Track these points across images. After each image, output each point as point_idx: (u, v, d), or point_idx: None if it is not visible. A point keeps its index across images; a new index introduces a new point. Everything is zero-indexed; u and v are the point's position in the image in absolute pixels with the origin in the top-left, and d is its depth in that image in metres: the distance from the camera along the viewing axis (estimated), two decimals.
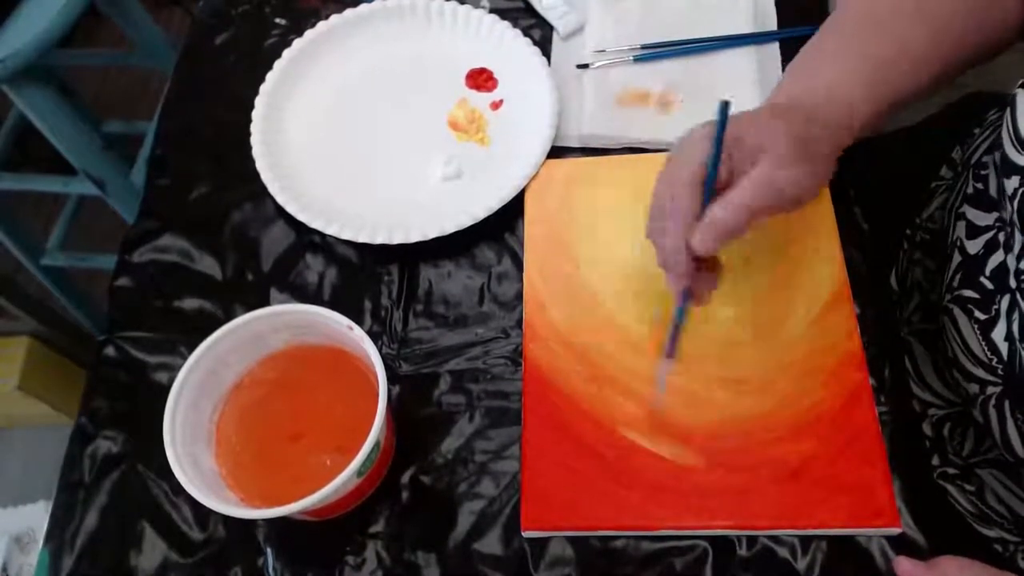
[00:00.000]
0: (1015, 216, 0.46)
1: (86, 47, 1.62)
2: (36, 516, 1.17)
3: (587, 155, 0.62)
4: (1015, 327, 0.47)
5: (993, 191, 0.50)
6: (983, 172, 0.52)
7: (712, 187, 0.44)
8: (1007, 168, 0.46)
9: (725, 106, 0.43)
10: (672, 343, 0.50)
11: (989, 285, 0.49)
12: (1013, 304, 0.47)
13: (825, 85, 0.49)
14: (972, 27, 0.51)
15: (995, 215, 0.50)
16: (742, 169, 0.44)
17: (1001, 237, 0.49)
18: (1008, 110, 0.46)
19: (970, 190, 0.53)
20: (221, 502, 0.43)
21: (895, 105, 0.50)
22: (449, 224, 0.58)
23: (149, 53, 1.23)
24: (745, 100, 0.62)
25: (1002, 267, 0.48)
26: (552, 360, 0.53)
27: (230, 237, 0.62)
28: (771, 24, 0.68)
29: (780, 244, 0.55)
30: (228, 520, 0.51)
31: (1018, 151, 0.45)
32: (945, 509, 0.58)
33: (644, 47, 0.66)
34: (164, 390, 0.46)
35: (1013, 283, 0.47)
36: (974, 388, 0.51)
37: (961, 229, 0.53)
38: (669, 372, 0.51)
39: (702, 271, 0.46)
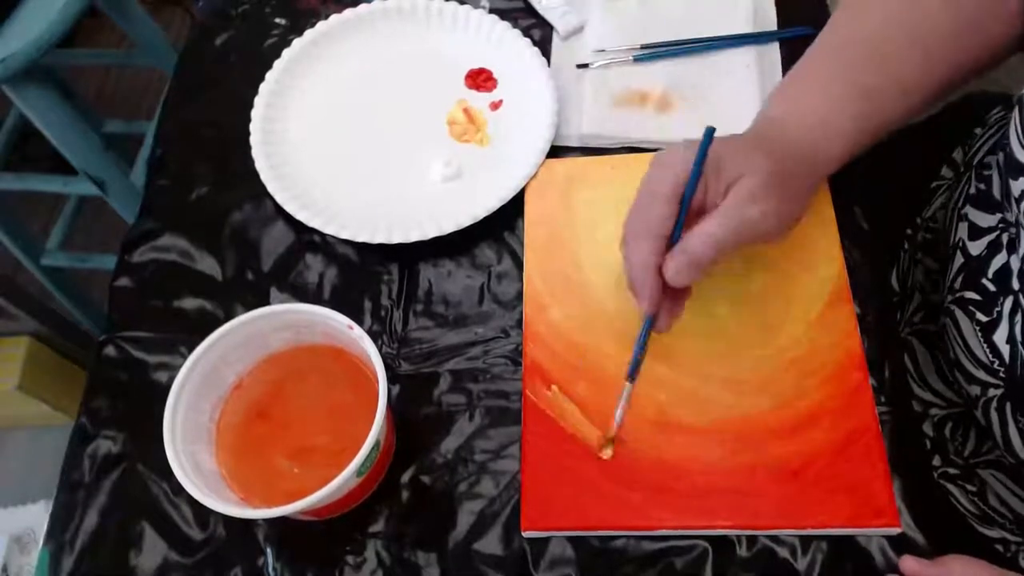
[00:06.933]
0: (1022, 217, 0.45)
1: (86, 47, 1.62)
2: (36, 516, 1.17)
3: (587, 155, 0.62)
4: (1017, 330, 0.46)
5: (997, 192, 0.50)
6: (986, 173, 0.52)
7: (687, 206, 0.44)
8: (1014, 169, 0.46)
9: (711, 132, 0.43)
10: (634, 367, 0.48)
11: (991, 287, 0.49)
12: (1016, 306, 0.47)
13: (813, 113, 0.48)
14: (965, 47, 0.50)
15: (998, 216, 0.50)
16: (716, 196, 0.44)
17: (1004, 239, 0.48)
18: (1016, 110, 0.46)
19: (972, 191, 0.53)
20: (221, 502, 0.43)
21: (885, 131, 0.50)
22: (449, 224, 0.58)
23: (149, 53, 1.23)
24: (745, 100, 0.62)
25: (1005, 269, 0.48)
26: (552, 360, 0.53)
27: (230, 237, 0.62)
28: (771, 24, 0.68)
29: (780, 244, 0.55)
30: (228, 520, 0.51)
31: None
32: (945, 509, 0.58)
33: (644, 47, 0.66)
34: (164, 390, 0.46)
35: (1016, 285, 0.47)
36: (975, 390, 0.51)
37: (963, 230, 0.53)
38: (628, 398, 0.49)
39: (668, 295, 0.46)
